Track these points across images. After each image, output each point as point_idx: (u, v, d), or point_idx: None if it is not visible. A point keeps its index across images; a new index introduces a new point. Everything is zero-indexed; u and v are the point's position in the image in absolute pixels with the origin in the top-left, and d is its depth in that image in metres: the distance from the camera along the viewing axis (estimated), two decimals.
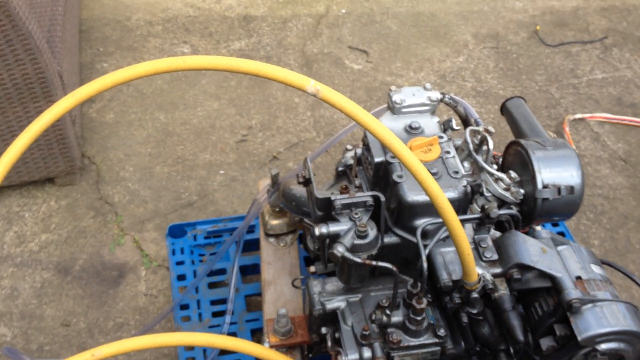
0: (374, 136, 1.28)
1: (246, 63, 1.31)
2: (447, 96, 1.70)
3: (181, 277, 2.26)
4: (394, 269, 1.43)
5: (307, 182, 1.56)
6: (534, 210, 1.61)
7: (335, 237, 1.46)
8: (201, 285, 2.20)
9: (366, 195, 1.49)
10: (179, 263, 2.30)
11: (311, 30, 3.77)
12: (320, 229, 1.45)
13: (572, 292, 1.41)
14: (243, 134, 3.17)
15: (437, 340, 1.49)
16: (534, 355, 1.50)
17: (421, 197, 1.48)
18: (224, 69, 1.32)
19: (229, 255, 2.33)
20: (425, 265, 1.41)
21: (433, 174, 1.50)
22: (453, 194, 1.49)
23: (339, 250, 1.42)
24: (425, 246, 1.43)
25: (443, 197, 1.30)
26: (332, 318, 1.57)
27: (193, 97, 3.34)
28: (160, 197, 2.89)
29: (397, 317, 1.50)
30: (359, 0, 3.99)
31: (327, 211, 1.50)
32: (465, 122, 1.75)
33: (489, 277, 1.46)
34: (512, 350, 1.53)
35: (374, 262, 1.44)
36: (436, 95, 1.67)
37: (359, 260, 1.43)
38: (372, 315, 1.50)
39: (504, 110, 1.85)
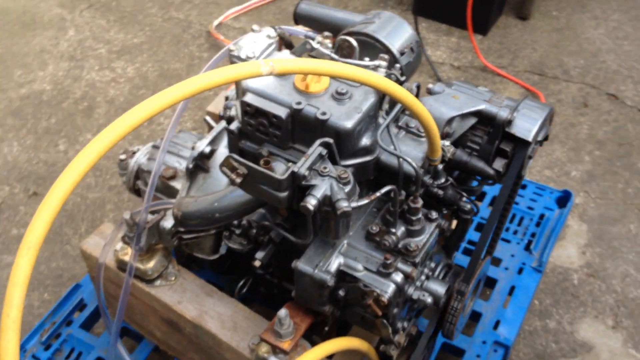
0: (353, 78, 1.23)
1: (191, 83, 1.11)
2: (277, 28, 1.63)
3: None
4: (394, 186, 1.42)
5: (246, 177, 1.39)
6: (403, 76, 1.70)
7: (328, 201, 1.37)
8: None
9: (317, 147, 1.41)
10: None
11: None
12: (311, 202, 1.34)
13: (502, 111, 1.57)
14: None
15: (436, 223, 1.54)
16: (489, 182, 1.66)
17: (357, 117, 1.44)
18: (164, 106, 1.10)
19: (84, 344, 1.99)
20: (414, 164, 1.43)
21: (343, 94, 1.48)
22: (371, 101, 1.49)
23: (344, 205, 1.34)
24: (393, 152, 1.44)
25: (404, 90, 1.32)
26: (339, 278, 1.51)
27: None
28: None
29: (400, 230, 1.51)
30: None
31: (293, 186, 1.39)
32: (289, 45, 1.71)
33: (447, 142, 1.54)
34: (465, 197, 1.66)
35: (377, 193, 1.40)
36: (271, 31, 1.59)
37: (366, 200, 1.39)
38: (384, 242, 1.48)
39: (299, 18, 1.84)
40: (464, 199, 1.65)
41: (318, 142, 1.41)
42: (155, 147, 1.98)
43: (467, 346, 1.94)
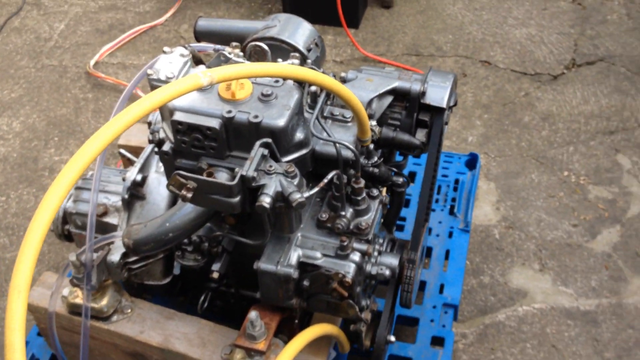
0: (288, 75, 1.30)
1: (140, 105, 1.14)
2: (187, 46, 1.66)
3: None
4: (338, 171, 1.49)
5: (196, 191, 1.42)
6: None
7: (280, 196, 1.42)
8: None
9: (259, 148, 1.45)
10: None
11: None
12: (266, 200, 1.39)
13: (414, 85, 1.68)
14: None
15: (378, 200, 1.63)
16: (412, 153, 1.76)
17: (287, 114, 1.49)
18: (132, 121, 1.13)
19: None
20: (354, 147, 1.51)
21: (269, 95, 1.52)
22: (296, 96, 1.54)
23: (298, 197, 1.40)
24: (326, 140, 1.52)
25: (336, 83, 1.41)
26: (301, 270, 1.56)
27: None
28: None
29: (349, 212, 1.58)
30: None
31: (244, 189, 1.43)
32: (199, 62, 1.74)
33: (374, 122, 1.62)
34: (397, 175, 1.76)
35: (325, 180, 1.47)
36: (183, 50, 1.61)
37: (317, 189, 1.45)
38: (337, 226, 1.55)
39: (200, 35, 1.87)
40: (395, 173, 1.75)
41: (258, 143, 1.46)
42: (79, 188, 1.95)
43: (420, 314, 2.04)
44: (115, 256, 1.72)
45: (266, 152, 1.46)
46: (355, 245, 1.56)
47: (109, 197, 1.92)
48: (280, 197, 1.42)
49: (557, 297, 2.34)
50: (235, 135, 1.52)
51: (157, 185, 1.79)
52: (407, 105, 1.70)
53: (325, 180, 1.47)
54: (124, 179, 1.78)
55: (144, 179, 1.78)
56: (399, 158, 1.93)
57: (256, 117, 1.48)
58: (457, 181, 2.42)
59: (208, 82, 1.20)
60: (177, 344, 1.73)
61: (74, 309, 1.78)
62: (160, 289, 1.87)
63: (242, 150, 1.52)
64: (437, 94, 1.67)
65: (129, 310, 1.79)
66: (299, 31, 1.76)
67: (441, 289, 2.11)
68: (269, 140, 1.47)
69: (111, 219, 1.88)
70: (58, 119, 3.09)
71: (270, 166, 1.44)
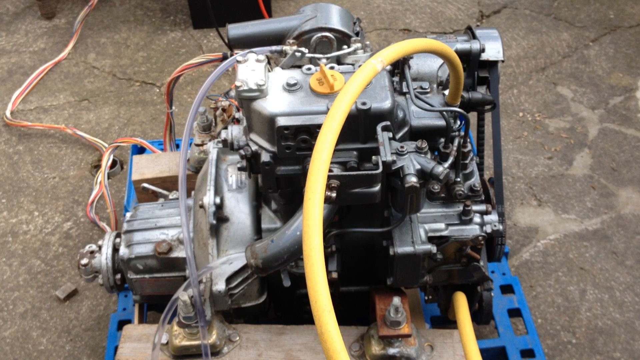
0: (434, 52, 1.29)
1: (343, 101, 1.11)
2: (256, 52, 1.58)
3: None
4: (460, 138, 1.51)
5: (340, 188, 1.37)
6: None
7: (420, 173, 1.42)
8: None
9: (383, 132, 1.43)
10: None
11: None
12: (413, 180, 1.38)
13: (474, 44, 1.73)
14: None
15: (475, 160, 1.67)
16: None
17: (389, 94, 1.47)
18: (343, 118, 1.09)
19: None
20: (463, 112, 1.54)
21: None
22: (388, 76, 1.54)
23: (440, 169, 1.40)
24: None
25: (440, 44, 1.43)
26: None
27: None
28: None
29: (458, 177, 1.61)
30: None
31: (385, 173, 1.42)
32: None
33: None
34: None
35: (455, 148, 1.48)
36: (254, 55, 1.54)
37: (452, 158, 1.46)
38: (458, 193, 1.57)
39: (234, 44, 1.78)
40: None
41: (380, 127, 1.44)
42: (127, 232, 1.83)
43: None
44: (220, 285, 1.64)
45: (390, 135, 1.45)
46: (475, 207, 1.59)
47: (166, 231, 1.82)
48: (421, 174, 1.42)
49: (565, 224, 2.51)
50: (342, 127, 1.49)
51: (236, 203, 1.71)
52: (465, 66, 1.74)
53: (455, 148, 1.48)
54: (201, 206, 1.68)
55: (222, 200, 1.70)
56: None
57: (364, 103, 1.46)
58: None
59: (381, 67, 1.19)
60: (302, 356, 1.67)
61: (182, 352, 1.68)
62: (255, 310, 1.79)
63: (347, 142, 1.50)
64: (493, 48, 1.74)
65: (237, 338, 1.71)
66: (340, 17, 1.75)
67: None
68: (388, 122, 1.45)
69: (179, 254, 1.78)
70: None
71: (402, 147, 1.43)
